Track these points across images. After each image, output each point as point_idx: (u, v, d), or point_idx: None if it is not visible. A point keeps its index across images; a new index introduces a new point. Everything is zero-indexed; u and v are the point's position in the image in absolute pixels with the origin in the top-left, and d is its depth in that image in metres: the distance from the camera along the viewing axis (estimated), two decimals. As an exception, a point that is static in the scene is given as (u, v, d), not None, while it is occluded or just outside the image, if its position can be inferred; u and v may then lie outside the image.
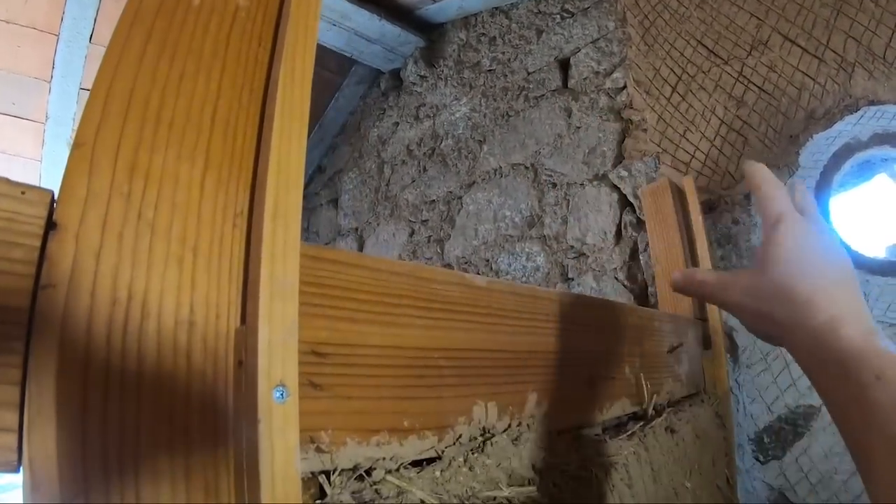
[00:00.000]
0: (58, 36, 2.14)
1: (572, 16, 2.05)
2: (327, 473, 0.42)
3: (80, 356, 0.31)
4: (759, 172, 0.64)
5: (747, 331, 0.64)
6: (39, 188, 0.33)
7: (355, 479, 0.44)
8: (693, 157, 1.58)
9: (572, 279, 1.82)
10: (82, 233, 0.33)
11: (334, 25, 2.39)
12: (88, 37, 2.15)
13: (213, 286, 0.37)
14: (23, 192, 0.33)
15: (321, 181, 3.32)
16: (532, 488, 0.56)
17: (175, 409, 0.34)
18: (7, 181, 0.32)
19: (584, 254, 1.80)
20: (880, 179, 1.43)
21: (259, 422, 0.32)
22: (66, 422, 0.30)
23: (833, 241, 0.58)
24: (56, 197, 0.33)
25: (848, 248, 1.36)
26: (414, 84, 2.73)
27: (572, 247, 1.84)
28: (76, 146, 0.35)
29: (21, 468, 0.29)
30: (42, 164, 2.73)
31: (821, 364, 0.52)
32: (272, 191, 0.37)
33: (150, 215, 0.36)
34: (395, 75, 2.89)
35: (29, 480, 0.29)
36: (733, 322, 1.42)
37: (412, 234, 2.53)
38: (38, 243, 0.32)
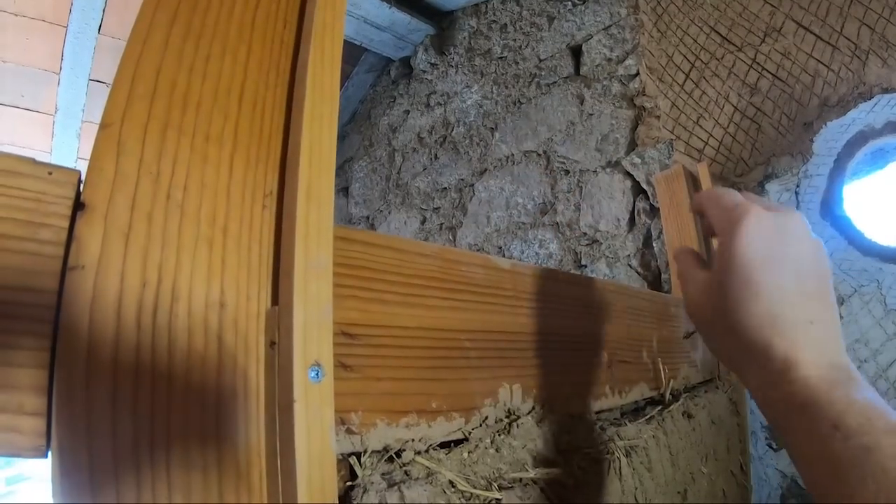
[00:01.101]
0: (66, 28, 2.14)
1: (584, 2, 2.04)
2: (358, 455, 0.42)
3: (109, 339, 0.31)
4: (705, 192, 0.55)
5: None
6: (67, 168, 0.33)
7: (385, 460, 0.44)
8: (706, 143, 1.57)
9: (585, 266, 1.81)
10: (111, 213, 0.33)
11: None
12: (97, 28, 2.15)
13: (243, 267, 0.37)
14: (50, 173, 0.32)
15: (331, 170, 3.32)
16: (557, 470, 0.56)
17: (206, 391, 0.34)
18: (33, 162, 0.32)
19: (598, 241, 1.80)
20: (894, 168, 1.42)
21: (295, 402, 0.32)
22: (95, 406, 0.30)
23: (804, 239, 0.48)
24: (83, 178, 0.33)
25: (861, 236, 1.35)
26: (424, 72, 2.72)
27: (585, 234, 1.84)
28: (103, 126, 0.34)
29: (49, 453, 0.29)
30: (52, 156, 2.74)
31: (776, 410, 0.45)
32: (305, 172, 0.37)
33: (179, 196, 0.36)
34: (406, 63, 2.88)
35: (58, 466, 0.28)
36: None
37: (424, 221, 2.53)
38: (66, 224, 0.32)
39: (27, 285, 0.30)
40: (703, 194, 0.55)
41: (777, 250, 0.47)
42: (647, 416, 0.82)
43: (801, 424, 0.42)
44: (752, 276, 0.46)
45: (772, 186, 1.42)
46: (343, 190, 3.17)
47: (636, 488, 0.69)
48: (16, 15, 2.05)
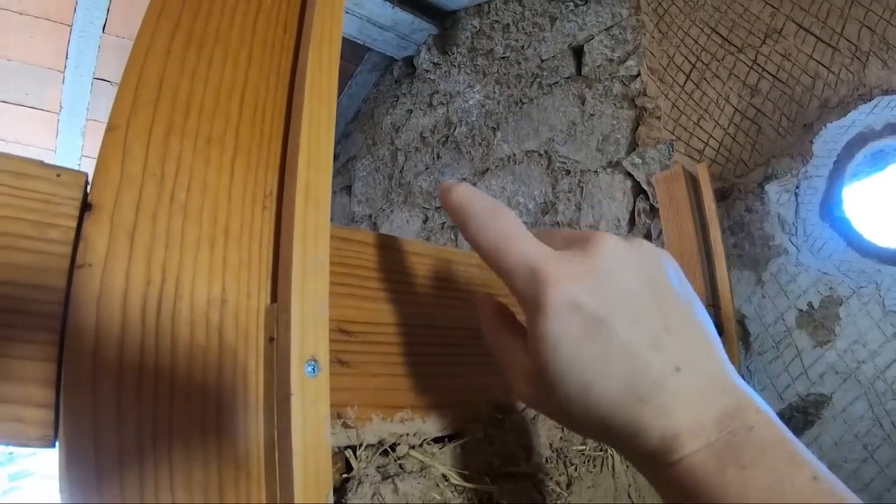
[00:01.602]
0: (71, 26, 2.15)
1: (586, 3, 2.05)
2: (353, 448, 0.43)
3: (115, 334, 0.32)
4: (468, 199, 0.41)
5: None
6: (74, 170, 0.34)
7: (380, 453, 0.45)
8: (707, 144, 1.58)
9: (585, 267, 1.82)
10: (117, 214, 0.34)
11: (347, 13, 2.40)
12: (101, 27, 2.17)
13: (243, 266, 0.38)
14: (58, 175, 0.34)
15: (334, 168, 3.32)
16: (550, 465, 0.57)
17: (207, 385, 0.35)
18: (42, 164, 0.33)
19: (597, 241, 1.81)
20: (894, 169, 1.43)
21: (291, 395, 0.33)
22: (101, 398, 0.31)
23: (622, 266, 0.37)
24: (90, 179, 0.34)
25: (860, 238, 1.36)
26: (427, 71, 2.73)
27: (585, 234, 1.84)
28: (109, 130, 0.36)
29: (56, 444, 0.30)
30: (56, 154, 2.75)
31: (663, 490, 0.36)
32: (303, 173, 0.38)
33: (182, 197, 0.37)
34: (409, 62, 2.89)
35: (64, 456, 0.30)
36: (746, 310, 1.42)
37: (426, 220, 2.54)
38: (73, 224, 0.33)
39: (36, 283, 0.31)
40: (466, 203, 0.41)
41: (600, 310, 0.35)
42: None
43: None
44: (578, 360, 0.35)
45: (771, 187, 1.43)
46: (346, 188, 3.18)
47: (629, 486, 0.70)
48: (20, 13, 2.07)
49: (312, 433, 0.34)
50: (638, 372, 0.35)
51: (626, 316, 0.35)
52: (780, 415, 1.35)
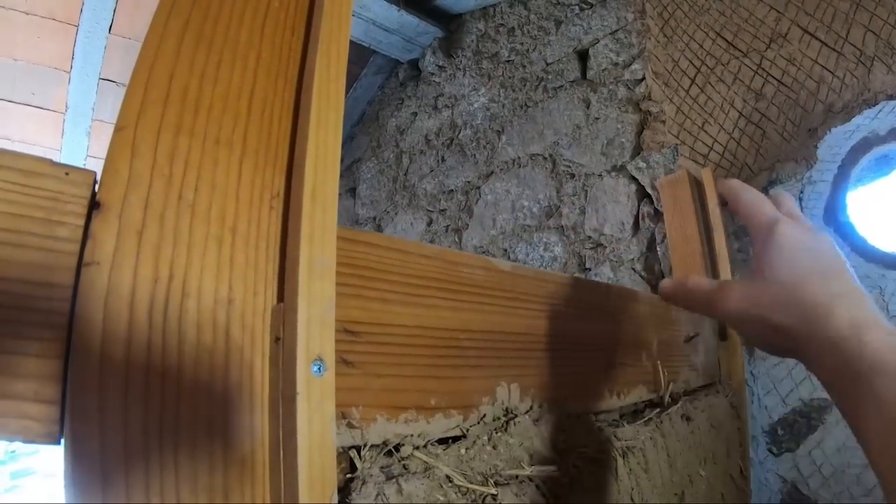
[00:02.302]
0: (77, 27, 2.15)
1: (591, 7, 2.05)
2: (358, 449, 0.43)
3: (122, 331, 0.33)
4: (739, 185, 0.60)
5: (747, 344, 0.60)
6: (83, 169, 0.34)
7: (384, 454, 0.45)
8: (711, 149, 1.58)
9: (590, 269, 1.82)
10: (125, 212, 0.34)
11: (353, 16, 2.39)
12: (108, 27, 2.17)
13: (250, 265, 0.38)
14: (67, 173, 0.34)
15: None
16: (553, 468, 0.57)
17: (214, 383, 0.35)
18: (51, 162, 0.34)
19: (602, 244, 1.81)
20: (898, 174, 1.43)
21: (297, 395, 0.34)
22: (108, 395, 0.31)
23: (834, 245, 0.53)
24: (98, 178, 0.35)
25: (865, 243, 1.36)
26: (432, 74, 2.73)
27: (590, 237, 1.85)
28: (118, 130, 0.36)
29: (62, 440, 0.31)
30: (61, 154, 2.76)
31: (845, 379, 0.44)
32: (311, 175, 0.39)
33: (190, 197, 0.37)
34: (414, 65, 2.89)
35: (70, 450, 0.30)
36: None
37: (430, 223, 2.54)
38: (81, 222, 0.33)
39: (45, 280, 0.31)
40: (739, 195, 0.60)
41: (813, 242, 0.52)
42: (646, 418, 0.83)
43: (871, 391, 0.41)
44: (799, 258, 0.51)
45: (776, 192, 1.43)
46: (350, 191, 3.18)
47: (633, 489, 0.70)
48: (27, 14, 2.07)
49: (318, 432, 0.34)
50: (834, 276, 0.49)
51: (820, 251, 0.52)
52: (784, 420, 1.35)
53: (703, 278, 0.60)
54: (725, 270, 1.39)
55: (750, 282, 0.54)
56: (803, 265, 0.50)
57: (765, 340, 0.54)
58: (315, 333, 0.35)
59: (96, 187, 0.34)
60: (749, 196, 0.59)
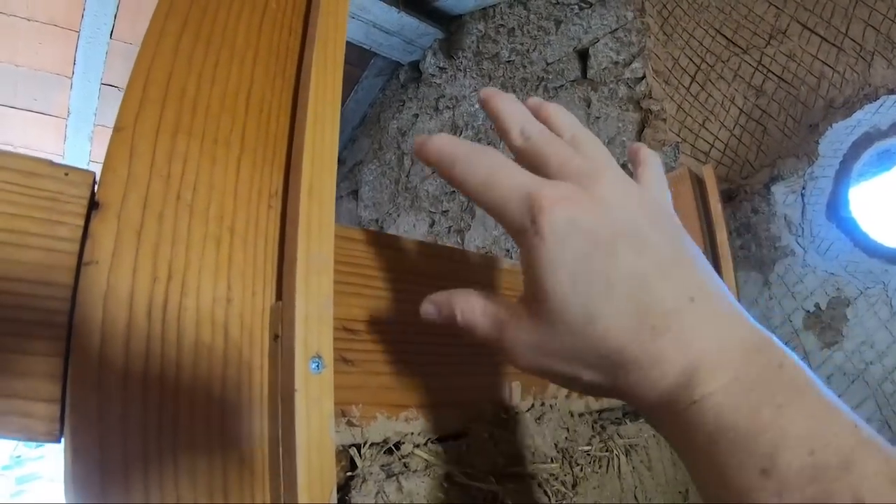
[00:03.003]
0: (78, 33, 2.16)
1: (590, 6, 2.05)
2: (358, 447, 0.43)
3: (121, 330, 0.33)
4: (449, 146, 0.37)
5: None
6: (82, 170, 0.35)
7: (384, 452, 0.45)
8: (712, 146, 1.58)
9: (591, 269, 1.82)
10: (124, 212, 0.35)
11: (353, 18, 2.40)
12: (109, 33, 2.18)
13: (249, 264, 0.39)
14: (66, 174, 0.34)
15: (341, 173, 3.34)
16: (555, 465, 0.57)
17: (213, 381, 0.35)
18: (50, 163, 0.34)
19: (603, 244, 1.81)
20: (900, 169, 1.43)
21: (296, 392, 0.34)
22: (107, 393, 0.31)
23: (647, 195, 0.36)
24: (98, 178, 0.35)
25: (867, 238, 1.36)
26: (433, 76, 2.73)
27: (591, 237, 1.85)
28: (117, 130, 0.36)
29: (63, 438, 0.31)
30: (64, 159, 2.77)
31: (679, 442, 0.33)
32: (307, 171, 0.39)
33: (188, 196, 0.37)
34: (415, 67, 2.90)
35: (70, 448, 0.30)
36: (753, 311, 1.42)
37: (432, 224, 2.55)
38: (81, 222, 0.34)
39: (45, 279, 0.32)
40: (496, 109, 0.39)
41: (602, 232, 0.32)
42: (648, 416, 0.83)
43: (714, 465, 0.30)
44: (586, 275, 0.32)
45: (778, 188, 1.43)
46: (353, 193, 3.19)
47: (636, 487, 0.70)
48: (28, 20, 2.08)
49: (316, 429, 0.34)
50: (648, 300, 0.32)
51: (630, 242, 0.33)
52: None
53: (480, 295, 0.39)
54: (728, 268, 1.39)
55: (527, 316, 0.35)
56: (599, 294, 0.32)
57: (578, 389, 0.38)
58: (313, 330, 0.36)
59: (95, 187, 0.35)
60: (469, 160, 0.36)
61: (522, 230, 0.33)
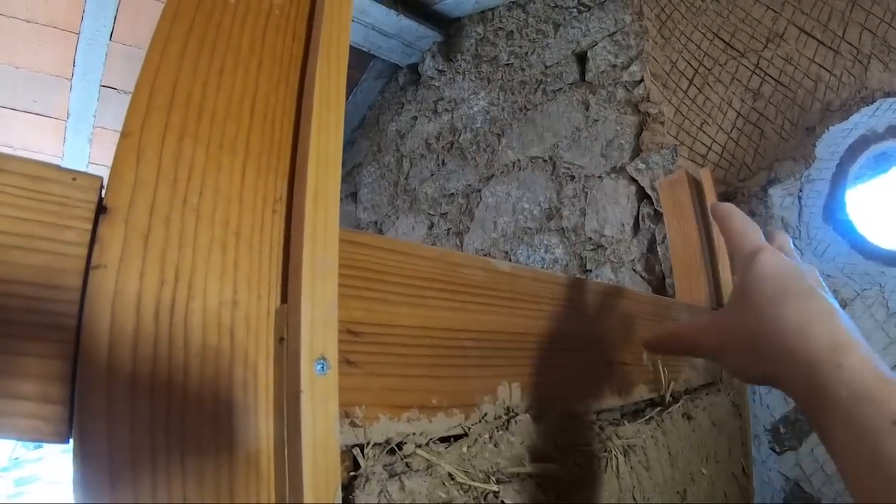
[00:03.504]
0: (78, 34, 2.16)
1: (589, 9, 2.06)
2: (361, 447, 0.44)
3: (129, 333, 0.33)
4: (730, 211, 0.58)
5: (734, 376, 0.57)
6: (90, 174, 0.35)
7: (387, 452, 0.46)
8: (710, 149, 1.58)
9: (590, 271, 1.83)
10: (132, 217, 0.35)
11: (352, 21, 2.40)
12: (108, 35, 2.18)
13: (254, 268, 0.39)
14: (74, 178, 0.34)
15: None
16: (555, 466, 0.58)
17: (219, 383, 0.36)
18: (58, 168, 0.34)
19: (603, 246, 1.82)
20: (897, 172, 1.44)
21: (301, 393, 0.34)
22: (115, 395, 0.32)
23: (816, 273, 0.51)
24: (105, 183, 0.35)
25: (864, 240, 1.36)
26: (432, 78, 2.74)
27: (590, 239, 1.85)
28: (124, 136, 0.37)
29: (71, 439, 0.31)
30: (63, 161, 2.77)
31: (820, 403, 0.42)
32: (313, 177, 0.39)
33: (195, 201, 0.38)
34: (413, 70, 2.90)
35: (79, 450, 0.30)
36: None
37: (431, 227, 2.55)
38: (88, 226, 0.34)
39: (53, 283, 0.32)
40: (729, 221, 0.58)
41: (792, 268, 0.50)
42: (647, 417, 0.83)
43: (850, 418, 0.38)
44: (777, 282, 0.49)
45: (775, 191, 1.44)
46: (351, 195, 3.19)
47: (634, 487, 0.70)
48: (28, 21, 2.08)
49: (322, 430, 0.35)
50: (814, 297, 0.47)
51: (800, 275, 0.49)
52: (784, 418, 1.35)
53: (677, 324, 0.56)
54: (725, 270, 1.40)
55: (729, 312, 0.53)
56: (781, 287, 0.49)
57: (745, 368, 0.51)
58: (318, 333, 0.36)
59: (103, 192, 0.35)
60: (738, 224, 0.57)
61: (746, 262, 0.53)
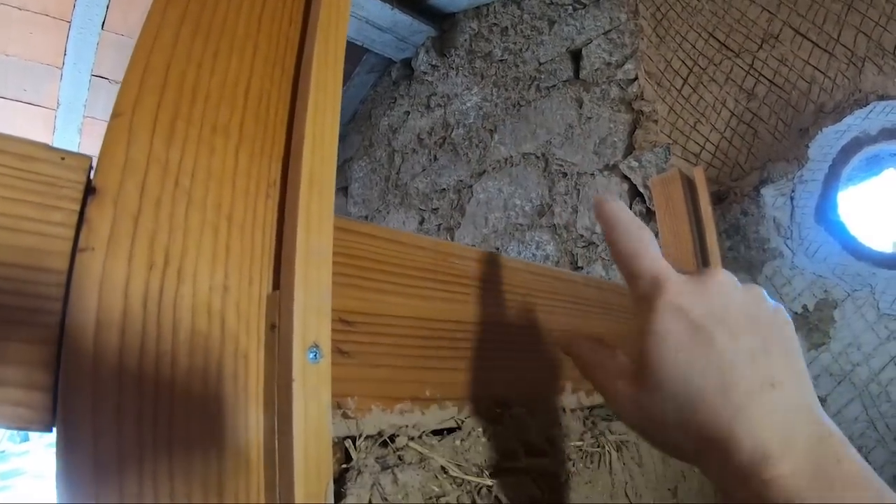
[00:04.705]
0: (70, 23, 2.15)
1: (584, 7, 2.05)
2: (353, 439, 0.43)
3: (116, 317, 0.32)
4: (617, 210, 0.44)
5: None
6: (79, 154, 0.34)
7: (379, 444, 0.45)
8: (703, 148, 1.59)
9: (582, 268, 1.83)
10: (121, 198, 0.34)
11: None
12: (100, 24, 2.16)
13: (246, 253, 0.38)
14: (62, 158, 0.33)
15: (330, 170, 3.33)
16: (547, 460, 0.57)
17: (208, 370, 0.35)
18: (47, 147, 0.33)
19: (594, 243, 1.81)
20: (888, 174, 1.44)
21: (293, 381, 0.33)
22: (101, 381, 0.31)
23: (732, 294, 0.41)
24: (95, 164, 0.34)
25: (855, 241, 1.37)
26: (425, 73, 2.73)
27: (582, 236, 1.85)
28: (114, 115, 0.36)
29: (55, 428, 0.30)
30: (53, 150, 2.74)
31: None
32: (308, 162, 0.39)
33: (186, 184, 0.37)
34: (407, 64, 2.90)
35: (63, 439, 0.29)
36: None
37: (422, 222, 2.55)
38: (77, 207, 0.33)
39: (39, 265, 0.31)
40: (616, 223, 0.44)
41: (709, 322, 0.39)
42: (639, 414, 0.83)
43: None
44: (688, 356, 0.38)
45: (767, 191, 1.44)
46: (342, 189, 3.18)
47: (626, 483, 0.70)
48: (20, 9, 2.06)
49: (314, 419, 0.34)
50: (734, 379, 0.37)
51: (725, 331, 0.39)
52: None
53: (593, 341, 0.48)
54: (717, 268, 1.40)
55: (638, 378, 0.41)
56: (694, 369, 0.38)
57: (670, 453, 0.43)
58: (311, 320, 0.35)
59: (92, 173, 0.34)
60: (629, 231, 0.43)
61: (644, 302, 0.41)
